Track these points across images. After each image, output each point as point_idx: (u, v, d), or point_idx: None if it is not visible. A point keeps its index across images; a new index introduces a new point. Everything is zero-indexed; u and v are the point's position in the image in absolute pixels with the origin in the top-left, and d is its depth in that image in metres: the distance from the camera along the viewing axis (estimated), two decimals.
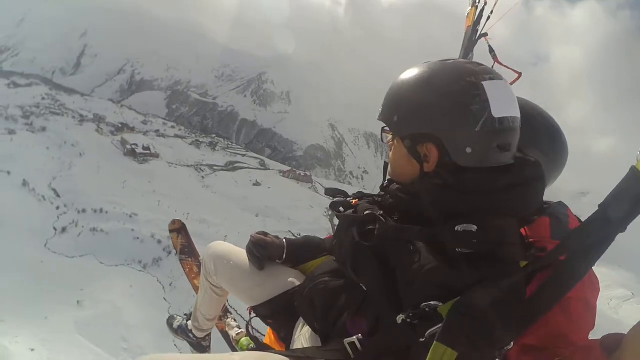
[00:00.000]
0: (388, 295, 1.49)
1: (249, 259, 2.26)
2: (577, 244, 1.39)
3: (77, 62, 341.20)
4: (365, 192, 1.93)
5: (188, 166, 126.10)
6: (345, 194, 1.92)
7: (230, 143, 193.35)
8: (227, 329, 3.36)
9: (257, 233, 2.30)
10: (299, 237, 2.45)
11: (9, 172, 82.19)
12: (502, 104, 1.48)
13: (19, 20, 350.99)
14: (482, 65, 1.57)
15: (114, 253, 68.86)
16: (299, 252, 2.28)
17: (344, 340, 1.57)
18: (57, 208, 79.54)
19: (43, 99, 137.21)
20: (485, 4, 2.52)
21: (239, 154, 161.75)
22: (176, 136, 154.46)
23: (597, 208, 1.41)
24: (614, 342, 1.37)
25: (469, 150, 1.47)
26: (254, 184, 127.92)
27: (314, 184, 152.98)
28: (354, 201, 1.84)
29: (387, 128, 1.69)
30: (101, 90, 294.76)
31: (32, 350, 46.94)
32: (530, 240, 1.58)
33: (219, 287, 2.54)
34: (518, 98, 1.70)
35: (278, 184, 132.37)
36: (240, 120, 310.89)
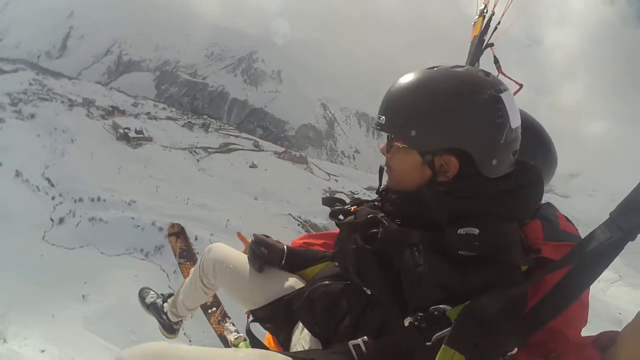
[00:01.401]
0: (394, 299, 1.50)
1: (249, 259, 2.26)
2: (586, 252, 1.38)
3: (62, 45, 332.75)
4: (363, 198, 1.96)
5: (182, 149, 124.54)
6: (343, 202, 1.95)
7: (222, 124, 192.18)
8: (225, 333, 3.34)
9: (260, 234, 2.30)
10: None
11: (0, 164, 79.43)
12: (515, 114, 1.52)
13: (2, 4, 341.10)
14: (490, 73, 1.58)
15: (115, 242, 66.78)
16: (298, 258, 2.27)
17: (349, 343, 1.57)
18: (53, 198, 77.17)
19: (30, 84, 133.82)
20: (493, 14, 2.53)
21: (232, 135, 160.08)
22: (168, 118, 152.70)
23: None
24: (607, 340, 1.42)
25: (494, 162, 1.50)
26: (250, 166, 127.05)
27: (309, 164, 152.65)
28: (352, 208, 1.85)
29: (394, 138, 1.64)
30: (88, 73, 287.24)
31: (43, 351, 45.52)
32: (528, 242, 1.60)
33: (209, 288, 2.56)
34: None
35: (274, 166, 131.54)
36: (231, 100, 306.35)
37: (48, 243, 65.97)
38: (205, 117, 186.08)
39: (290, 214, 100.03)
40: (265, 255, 2.21)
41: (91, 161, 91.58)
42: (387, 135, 1.67)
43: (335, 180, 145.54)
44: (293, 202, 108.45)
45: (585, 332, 1.54)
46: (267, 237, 2.30)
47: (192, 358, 1.94)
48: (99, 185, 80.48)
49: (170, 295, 3.27)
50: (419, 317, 1.38)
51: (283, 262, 2.24)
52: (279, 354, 1.65)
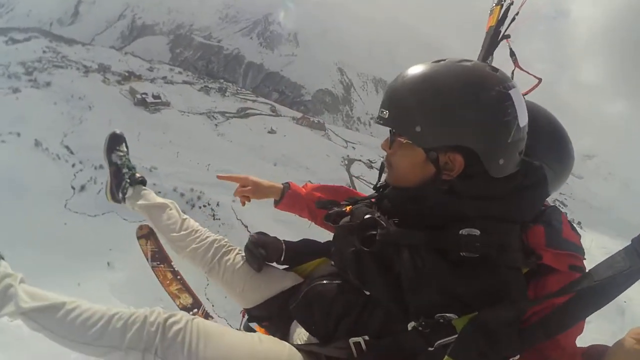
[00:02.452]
0: (395, 301, 1.50)
1: (247, 259, 2.27)
2: (603, 275, 1.32)
3: (75, 11, 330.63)
4: (358, 197, 1.98)
5: (200, 114, 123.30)
6: (336, 204, 1.94)
7: (239, 88, 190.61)
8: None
9: (256, 233, 2.31)
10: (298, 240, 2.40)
11: (19, 134, 78.54)
12: (523, 112, 1.50)
13: None
14: (498, 69, 1.55)
15: None
16: (297, 254, 2.27)
17: (350, 340, 1.57)
18: (73, 166, 76.28)
19: (44, 52, 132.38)
20: (512, 3, 2.39)
21: (249, 100, 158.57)
22: (184, 82, 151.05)
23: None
24: (596, 353, 1.42)
25: (501, 161, 1.48)
26: (269, 132, 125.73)
27: (326, 131, 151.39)
28: (347, 208, 1.84)
29: (398, 133, 1.61)
30: (101, 38, 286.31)
31: None
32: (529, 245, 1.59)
33: (182, 249, 2.49)
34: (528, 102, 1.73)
35: (292, 132, 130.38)
36: (247, 63, 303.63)
37: (70, 211, 65.38)
38: (222, 81, 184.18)
39: (310, 180, 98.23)
40: (263, 255, 2.21)
41: (109, 127, 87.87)
42: (390, 130, 1.64)
43: (353, 147, 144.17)
44: (312, 168, 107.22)
45: (590, 320, 1.52)
46: (264, 234, 2.30)
47: (227, 338, 1.93)
48: None
49: (142, 181, 3.04)
50: (423, 323, 1.39)
51: (282, 258, 2.25)
52: (287, 343, 1.72)
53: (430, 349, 1.36)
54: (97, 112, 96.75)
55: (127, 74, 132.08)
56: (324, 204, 2.00)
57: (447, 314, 1.36)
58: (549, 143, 1.89)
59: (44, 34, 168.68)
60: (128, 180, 3.02)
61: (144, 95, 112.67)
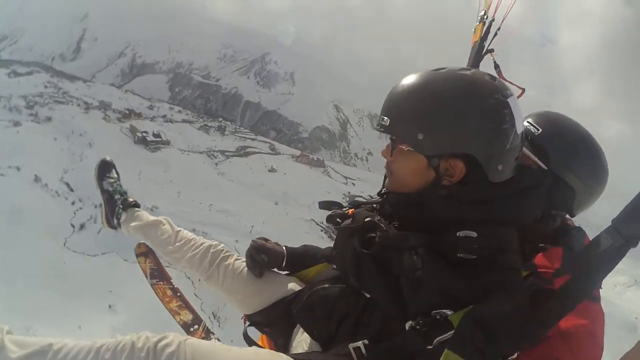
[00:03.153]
0: (394, 303, 1.51)
1: (248, 265, 2.28)
2: (588, 260, 1.40)
3: (76, 47, 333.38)
4: (361, 200, 1.96)
5: (200, 152, 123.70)
6: (340, 205, 1.95)
7: (238, 127, 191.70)
8: None
9: (258, 239, 2.32)
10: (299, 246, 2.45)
11: (18, 168, 77.44)
12: (520, 119, 1.53)
13: (17, 7, 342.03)
14: (496, 77, 1.59)
15: None
16: (298, 260, 2.29)
17: (349, 345, 1.58)
18: (73, 203, 75.07)
19: (45, 87, 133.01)
20: (493, 19, 2.56)
21: (248, 138, 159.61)
22: (184, 121, 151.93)
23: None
24: None
25: (500, 167, 1.51)
26: (269, 170, 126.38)
27: (326, 168, 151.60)
28: (349, 211, 1.85)
29: (399, 140, 1.62)
30: (102, 75, 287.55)
31: None
32: (540, 269, 1.61)
33: (175, 259, 2.58)
34: (557, 114, 1.86)
35: (292, 170, 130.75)
36: (245, 102, 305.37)
37: (70, 250, 63.97)
38: (221, 119, 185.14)
39: (313, 219, 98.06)
40: (265, 261, 2.22)
41: None
42: (390, 138, 1.65)
43: (353, 184, 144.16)
44: (314, 206, 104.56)
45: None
46: (266, 240, 2.31)
47: (223, 357, 1.99)
48: None
49: (134, 204, 3.12)
50: (420, 322, 1.40)
51: (284, 264, 2.26)
52: (285, 355, 1.71)
53: (429, 347, 1.37)
54: (98, 149, 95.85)
55: (127, 112, 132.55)
56: (327, 204, 1.97)
57: (442, 310, 1.37)
58: (583, 158, 1.86)
59: (46, 68, 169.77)
60: (121, 206, 3.11)
61: (144, 134, 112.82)
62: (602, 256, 1.35)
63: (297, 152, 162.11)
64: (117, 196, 3.19)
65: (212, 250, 2.44)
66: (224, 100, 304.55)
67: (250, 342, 2.15)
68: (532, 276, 1.59)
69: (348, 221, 1.77)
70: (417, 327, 1.40)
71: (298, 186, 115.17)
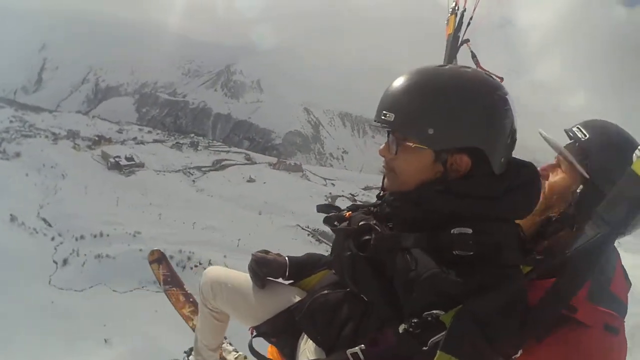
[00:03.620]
0: (389, 305, 1.52)
1: (251, 278, 2.27)
2: (576, 251, 1.40)
3: (38, 78, 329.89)
4: (359, 203, 1.94)
5: (176, 171, 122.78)
6: (338, 209, 1.95)
7: (210, 141, 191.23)
8: (224, 354, 3.18)
9: (259, 251, 2.31)
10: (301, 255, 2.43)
11: None
12: (516, 115, 1.57)
13: None
14: (492, 75, 1.63)
15: (126, 278, 63.53)
16: (301, 268, 2.29)
17: (347, 351, 1.60)
18: (52, 239, 73.31)
19: (11, 121, 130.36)
20: (465, 10, 2.54)
21: (222, 151, 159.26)
22: (155, 141, 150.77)
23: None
24: None
25: (502, 160, 1.54)
26: (248, 180, 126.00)
27: (304, 172, 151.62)
28: (347, 214, 1.85)
29: (406, 136, 1.58)
30: (67, 104, 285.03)
31: None
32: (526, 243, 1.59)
33: (218, 312, 2.51)
34: (605, 122, 1.79)
35: (271, 178, 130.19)
36: (214, 115, 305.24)
37: (56, 287, 62.41)
38: (192, 135, 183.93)
39: (298, 225, 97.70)
40: (267, 273, 2.23)
41: (86, 195, 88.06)
42: (390, 135, 1.62)
43: (332, 184, 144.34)
44: (298, 212, 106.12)
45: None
46: (267, 252, 2.31)
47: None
48: (98, 220, 77.00)
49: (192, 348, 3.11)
50: (413, 324, 1.39)
51: (287, 274, 2.26)
52: None
53: (424, 348, 1.37)
54: (71, 180, 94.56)
55: (97, 138, 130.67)
56: (325, 207, 1.96)
57: (434, 311, 1.36)
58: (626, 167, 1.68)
59: (10, 103, 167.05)
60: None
61: (117, 159, 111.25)
62: (589, 246, 1.37)
63: (274, 160, 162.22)
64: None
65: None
66: (193, 116, 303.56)
67: (256, 353, 2.18)
68: (534, 271, 1.58)
69: (345, 223, 1.77)
70: (410, 329, 1.39)
71: (279, 193, 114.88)
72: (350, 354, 1.59)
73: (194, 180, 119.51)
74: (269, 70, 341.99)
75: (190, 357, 3.01)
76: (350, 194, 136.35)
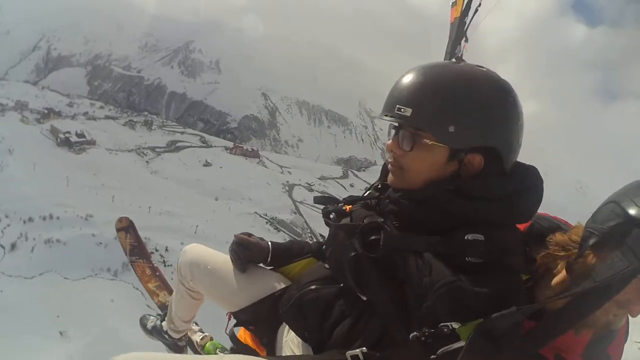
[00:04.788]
0: (397, 310, 1.48)
1: (232, 261, 2.21)
2: (603, 275, 1.31)
3: None
4: (356, 195, 1.88)
5: (129, 151, 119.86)
6: (336, 201, 1.88)
7: (164, 120, 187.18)
8: (189, 334, 3.20)
9: (241, 233, 2.24)
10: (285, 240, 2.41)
11: None
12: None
13: None
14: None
15: (78, 264, 60.90)
16: (284, 254, 2.22)
17: (347, 353, 1.53)
18: None
19: None
20: None
21: (177, 132, 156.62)
22: (107, 117, 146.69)
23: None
24: None
25: (513, 160, 1.56)
26: (204, 165, 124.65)
27: (261, 158, 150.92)
28: (347, 207, 1.79)
29: (424, 132, 1.54)
30: (15, 72, 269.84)
31: None
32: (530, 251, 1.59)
33: (195, 292, 2.49)
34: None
35: (228, 163, 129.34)
36: (169, 93, 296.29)
37: (4, 275, 58.87)
38: (146, 113, 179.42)
39: (256, 212, 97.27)
40: (248, 256, 2.16)
41: (34, 173, 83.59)
42: (400, 130, 1.59)
43: (289, 172, 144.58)
44: (255, 199, 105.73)
45: None
46: (250, 235, 2.24)
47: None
48: (48, 201, 73.44)
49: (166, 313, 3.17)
50: (426, 333, 1.36)
51: (269, 259, 2.19)
52: (256, 358, 1.68)
53: (433, 356, 1.35)
54: (19, 156, 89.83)
55: (46, 111, 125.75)
56: (322, 199, 1.88)
57: (451, 323, 1.33)
58: None
59: None
60: (162, 326, 3.12)
61: (67, 135, 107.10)
62: (614, 279, 1.29)
63: (230, 144, 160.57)
64: (157, 322, 3.15)
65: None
66: (147, 92, 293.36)
67: (235, 341, 2.15)
68: (531, 281, 1.56)
69: (346, 219, 1.71)
70: (423, 338, 1.36)
71: (236, 179, 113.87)
72: (350, 355, 1.52)
73: (147, 162, 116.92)
74: (229, 51, 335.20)
75: (163, 323, 3.04)
76: (307, 182, 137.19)
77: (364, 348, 1.52)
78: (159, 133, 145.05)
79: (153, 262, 4.19)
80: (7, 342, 45.32)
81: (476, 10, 2.40)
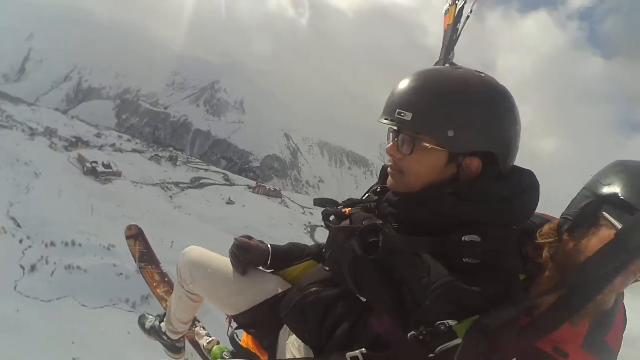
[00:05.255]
0: (395, 311, 1.49)
1: (232, 264, 2.20)
2: (591, 272, 1.33)
3: (21, 68, 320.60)
4: (355, 198, 1.91)
5: (154, 185, 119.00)
6: (335, 203, 1.91)
7: (189, 157, 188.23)
8: (196, 338, 3.27)
9: (242, 236, 2.27)
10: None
11: None
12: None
13: None
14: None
15: (96, 293, 59.12)
16: (283, 257, 2.23)
17: (347, 354, 1.54)
18: (21, 242, 68.02)
19: None
20: (465, 2, 2.50)
21: (201, 169, 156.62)
22: (134, 151, 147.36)
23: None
24: None
25: (511, 163, 1.58)
26: (227, 202, 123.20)
27: (283, 198, 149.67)
28: (346, 210, 1.80)
29: (424, 137, 1.54)
30: (47, 99, 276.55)
31: None
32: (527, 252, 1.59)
33: (195, 294, 2.49)
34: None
35: (251, 201, 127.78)
36: (194, 130, 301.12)
37: (22, 295, 57.54)
38: (171, 149, 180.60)
39: None
40: (248, 259, 2.16)
41: (59, 199, 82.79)
42: (399, 134, 1.61)
43: (311, 213, 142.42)
44: (278, 239, 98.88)
45: None
46: (250, 238, 2.27)
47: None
48: (71, 228, 72.14)
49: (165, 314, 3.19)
50: (424, 332, 1.37)
51: (269, 263, 2.19)
52: None
53: (431, 355, 1.35)
54: (45, 180, 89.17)
55: (74, 140, 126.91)
56: (322, 202, 1.91)
57: (447, 321, 1.35)
58: None
59: None
60: (160, 327, 3.13)
61: (94, 164, 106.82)
62: (607, 268, 1.30)
63: (253, 183, 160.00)
64: (156, 323, 3.18)
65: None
66: (173, 129, 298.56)
67: (236, 345, 2.14)
68: (529, 280, 1.56)
69: (346, 222, 1.72)
70: (421, 337, 1.37)
71: (258, 218, 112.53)
72: (350, 357, 1.52)
73: (171, 197, 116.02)
74: (253, 92, 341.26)
75: (162, 324, 3.02)
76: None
77: (364, 349, 1.52)
78: (184, 169, 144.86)
79: (162, 268, 4.16)
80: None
81: (468, 17, 2.35)
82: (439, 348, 1.34)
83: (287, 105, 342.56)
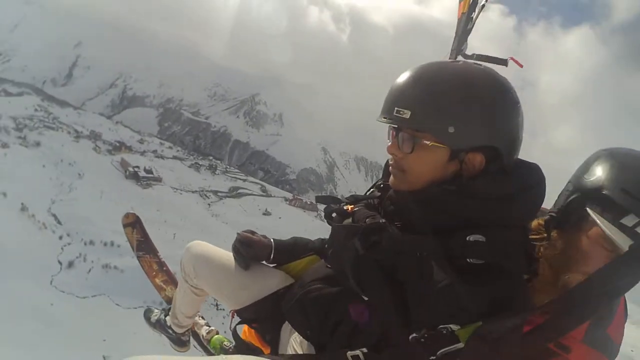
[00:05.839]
0: (397, 311, 1.46)
1: (235, 258, 2.18)
2: (601, 286, 1.30)
3: (69, 73, 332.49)
4: (358, 195, 1.86)
5: (193, 192, 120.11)
6: (337, 201, 1.86)
7: (227, 166, 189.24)
8: (196, 328, 3.21)
9: (244, 231, 2.22)
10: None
11: (5, 194, 72.18)
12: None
13: (13, 25, 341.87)
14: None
15: (131, 293, 58.82)
16: (286, 252, 2.20)
17: (347, 353, 1.50)
18: (60, 238, 69.53)
19: (36, 110, 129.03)
20: None
21: (239, 179, 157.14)
22: (175, 158, 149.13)
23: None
24: None
25: (515, 156, 1.54)
26: (264, 213, 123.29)
27: (319, 212, 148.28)
28: (349, 208, 1.76)
29: (424, 134, 1.50)
30: (92, 104, 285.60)
31: None
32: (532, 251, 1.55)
33: (199, 288, 2.44)
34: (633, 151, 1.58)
35: (286, 213, 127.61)
36: (233, 141, 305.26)
37: (57, 289, 58.28)
38: (211, 158, 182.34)
39: None
40: (251, 254, 2.14)
41: (101, 200, 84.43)
42: (399, 132, 1.55)
43: None
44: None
45: None
46: (253, 233, 2.22)
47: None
48: (111, 228, 72.46)
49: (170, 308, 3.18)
50: (425, 335, 1.34)
51: (272, 257, 2.17)
52: (257, 358, 1.64)
53: (432, 357, 1.32)
54: (88, 181, 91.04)
55: (118, 144, 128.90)
56: (324, 199, 1.87)
57: (450, 325, 1.32)
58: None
59: (37, 91, 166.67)
60: (165, 321, 3.13)
61: (136, 169, 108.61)
62: (619, 279, 1.28)
63: (289, 195, 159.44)
64: (161, 316, 3.16)
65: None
66: (212, 138, 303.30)
67: (238, 339, 2.13)
68: (532, 281, 1.54)
69: (348, 220, 1.69)
70: (422, 339, 1.34)
71: (294, 231, 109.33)
72: (351, 355, 1.50)
73: (209, 204, 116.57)
74: (292, 105, 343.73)
75: (167, 317, 3.00)
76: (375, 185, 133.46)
77: (364, 348, 1.50)
78: (222, 178, 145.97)
79: (160, 257, 4.07)
80: (51, 355, 44.14)
81: (483, 5, 2.19)
82: (441, 351, 1.31)
83: (325, 119, 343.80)
